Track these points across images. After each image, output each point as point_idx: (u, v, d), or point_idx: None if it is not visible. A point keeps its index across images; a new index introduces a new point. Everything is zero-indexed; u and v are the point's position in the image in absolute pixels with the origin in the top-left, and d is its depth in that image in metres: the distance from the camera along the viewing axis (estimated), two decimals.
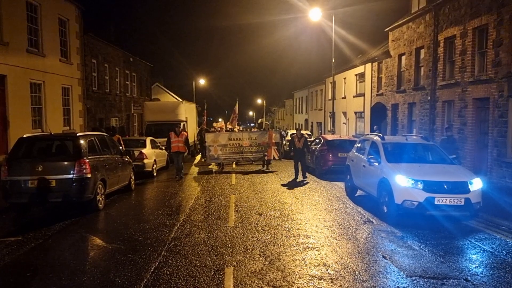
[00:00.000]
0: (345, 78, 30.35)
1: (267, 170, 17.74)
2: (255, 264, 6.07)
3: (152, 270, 5.84)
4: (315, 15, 22.99)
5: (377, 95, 24.08)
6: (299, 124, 49.23)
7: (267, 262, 6.14)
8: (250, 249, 6.74)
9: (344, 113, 30.68)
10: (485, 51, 14.01)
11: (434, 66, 17.28)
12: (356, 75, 28.11)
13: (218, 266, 5.97)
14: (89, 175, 9.18)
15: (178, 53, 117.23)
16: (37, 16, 16.69)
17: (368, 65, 25.51)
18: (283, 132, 26.52)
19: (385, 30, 22.80)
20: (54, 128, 15.84)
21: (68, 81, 19.37)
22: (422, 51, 18.73)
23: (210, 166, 18.87)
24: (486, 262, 6.36)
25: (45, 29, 17.14)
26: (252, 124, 77.87)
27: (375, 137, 10.83)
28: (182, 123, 22.81)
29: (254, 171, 17.55)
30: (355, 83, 28.44)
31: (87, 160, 9.28)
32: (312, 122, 42.61)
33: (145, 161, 15.32)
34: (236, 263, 6.11)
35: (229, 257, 6.38)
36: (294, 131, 20.80)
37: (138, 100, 31.49)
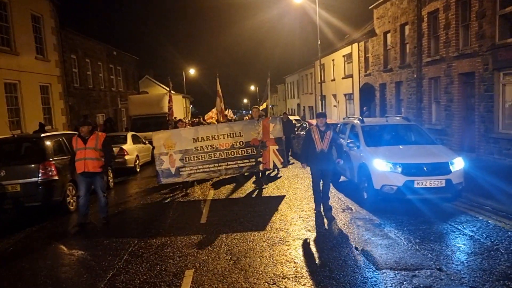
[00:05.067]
0: (333, 60, 29.79)
1: (268, 194, 10.27)
2: (219, 264, 5.73)
3: (108, 277, 5.50)
4: None
5: (365, 75, 23.60)
6: (291, 110, 48.59)
7: (232, 262, 5.80)
8: (217, 248, 6.40)
9: (334, 96, 30.20)
10: (469, 23, 13.53)
11: (419, 42, 16.78)
12: (343, 56, 27.57)
13: (179, 269, 5.63)
14: (56, 178, 8.81)
15: (165, 40, 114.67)
16: (7, 13, 16.13)
17: (355, 45, 24.95)
18: (293, 119, 17.84)
19: (370, 7, 22.20)
20: (34, 128, 15.44)
21: (47, 79, 18.88)
22: (407, 28, 18.20)
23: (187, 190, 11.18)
24: (463, 248, 6.01)
25: (17, 26, 16.59)
26: (246, 112, 76.10)
27: (355, 121, 10.43)
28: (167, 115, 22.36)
29: (243, 199, 9.78)
30: (343, 64, 27.91)
31: (53, 162, 8.90)
32: (304, 107, 42.13)
33: (126, 157, 14.97)
34: (199, 264, 5.78)
35: (193, 258, 6.04)
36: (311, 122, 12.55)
37: (125, 95, 30.96)
